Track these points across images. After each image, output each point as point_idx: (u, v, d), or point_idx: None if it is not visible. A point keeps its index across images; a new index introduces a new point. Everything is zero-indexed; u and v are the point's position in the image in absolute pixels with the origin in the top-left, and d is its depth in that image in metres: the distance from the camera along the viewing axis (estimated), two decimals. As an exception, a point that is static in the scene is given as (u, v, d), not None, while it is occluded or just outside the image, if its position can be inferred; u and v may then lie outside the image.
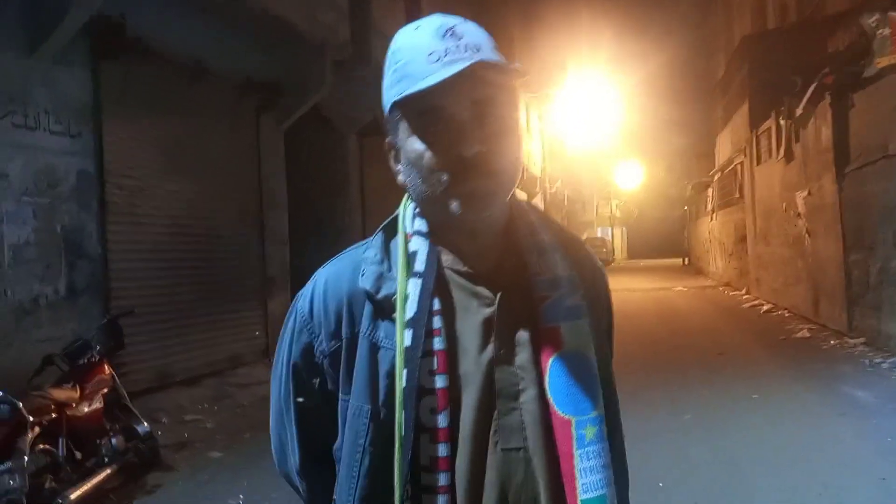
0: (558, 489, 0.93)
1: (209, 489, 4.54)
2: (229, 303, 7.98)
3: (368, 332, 0.97)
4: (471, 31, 0.95)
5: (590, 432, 0.94)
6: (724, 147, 23.02)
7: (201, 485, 4.64)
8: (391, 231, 1.04)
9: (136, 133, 6.63)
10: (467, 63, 0.88)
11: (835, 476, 4.35)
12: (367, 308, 0.98)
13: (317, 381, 1.02)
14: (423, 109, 0.94)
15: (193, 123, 7.44)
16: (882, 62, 6.25)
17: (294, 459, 1.07)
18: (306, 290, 1.06)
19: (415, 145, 0.95)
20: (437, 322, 0.95)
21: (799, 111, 9.70)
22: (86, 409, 4.22)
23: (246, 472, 4.84)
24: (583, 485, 0.92)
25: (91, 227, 6.00)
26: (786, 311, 13.20)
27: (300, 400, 1.05)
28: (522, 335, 0.98)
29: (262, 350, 8.47)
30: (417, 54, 0.93)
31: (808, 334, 10.44)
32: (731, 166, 20.25)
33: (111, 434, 4.42)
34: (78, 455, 4.12)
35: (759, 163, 15.97)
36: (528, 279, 0.99)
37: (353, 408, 0.97)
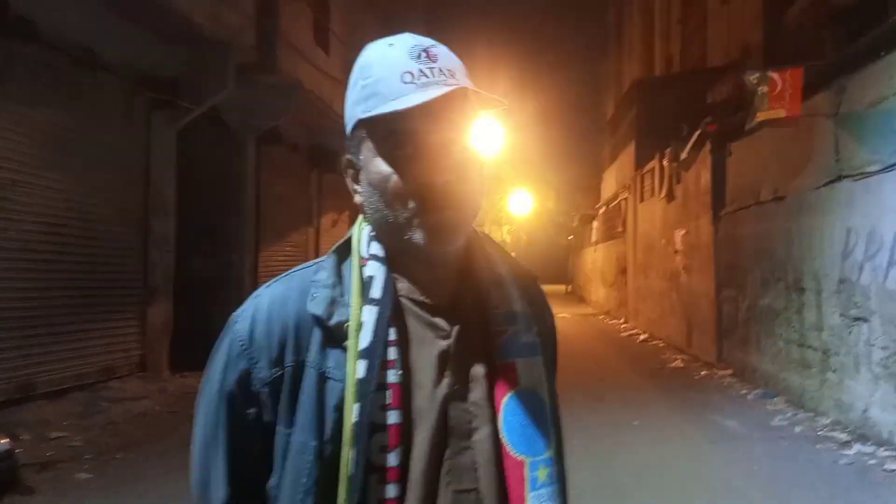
0: None
1: (74, 515, 4.16)
2: (104, 310, 7.43)
3: (316, 361, 0.90)
4: (445, 55, 0.92)
5: (542, 474, 0.92)
6: (609, 182, 24.26)
7: (65, 510, 4.25)
8: (344, 253, 0.98)
9: (13, 120, 6.09)
10: (447, 89, 0.86)
11: (710, 500, 4.60)
12: (316, 335, 0.92)
13: (252, 411, 0.93)
14: (393, 131, 0.89)
15: (79, 115, 6.93)
16: (761, 116, 6.79)
17: (220, 495, 0.97)
18: (245, 312, 0.97)
19: (380, 167, 0.91)
20: (392, 353, 0.90)
21: (683, 155, 10.38)
22: (-67, 425, 3.76)
23: (118, 496, 4.49)
24: None
25: (-49, 219, 5.42)
26: (661, 342, 13.98)
27: (232, 430, 0.95)
28: (477, 370, 0.95)
29: (137, 363, 7.95)
30: (390, 72, 0.89)
31: (681, 364, 11.09)
32: (616, 201, 21.34)
33: (-38, 453, 3.95)
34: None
35: (642, 200, 16.93)
36: (485, 312, 0.97)
37: (297, 443, 0.89)
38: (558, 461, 0.97)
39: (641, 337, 15.23)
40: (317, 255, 12.31)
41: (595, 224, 27.17)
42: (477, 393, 0.93)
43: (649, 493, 4.73)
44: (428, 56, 0.90)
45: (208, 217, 9.90)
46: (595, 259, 26.53)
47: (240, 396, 0.94)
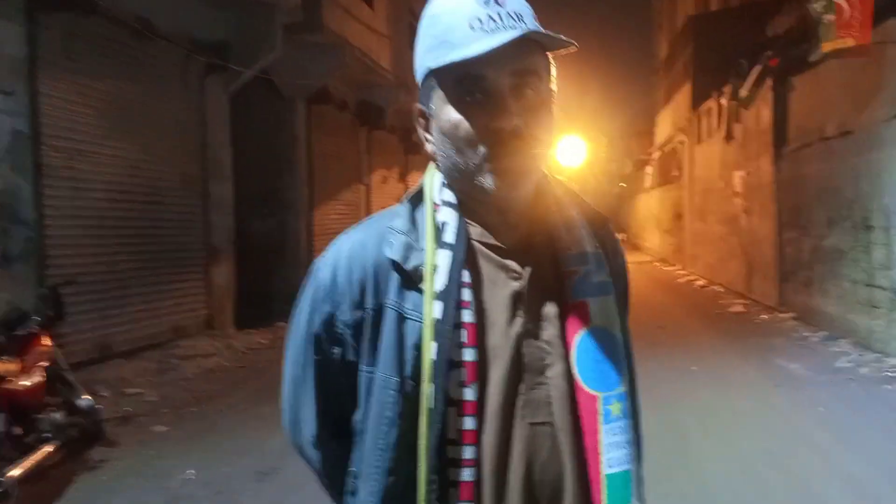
0: (583, 464, 0.94)
1: (157, 465, 4.41)
2: (171, 272, 7.72)
3: (395, 302, 0.95)
4: None
5: (615, 408, 0.94)
6: (664, 126, 23.55)
7: (148, 460, 4.50)
8: (417, 200, 1.01)
9: (76, 92, 6.27)
10: (514, 33, 0.86)
11: (775, 444, 4.55)
12: (394, 278, 0.96)
13: (337, 351, 1.00)
14: (462, 78, 0.91)
15: (136, 84, 7.09)
16: (827, 46, 6.44)
17: (310, 430, 1.05)
18: (327, 259, 1.03)
19: (450, 115, 0.92)
20: (466, 294, 0.93)
21: (743, 92, 9.97)
22: (25, 383, 4.01)
23: (195, 446, 4.73)
24: (608, 460, 0.93)
25: (26, 190, 5.66)
26: (720, 287, 13.71)
27: (320, 370, 1.02)
28: (550, 310, 0.97)
29: (204, 322, 8.26)
30: (458, 20, 0.90)
31: (742, 309, 10.88)
32: (671, 145, 20.75)
33: (52, 409, 4.22)
34: (17, 431, 3.93)
35: (699, 141, 16.41)
36: (557, 254, 0.99)
37: (380, 379, 0.95)
38: (631, 396, 0.99)
39: (699, 283, 14.97)
40: (368, 213, 12.50)
41: (649, 169, 26.55)
42: (549, 331, 0.96)
43: (712, 437, 4.71)
44: (496, 1, 0.90)
45: (263, 179, 10.08)
46: (649, 205, 25.99)
47: (325, 338, 1.00)
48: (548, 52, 0.96)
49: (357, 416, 0.99)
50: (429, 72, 0.94)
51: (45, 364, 4.29)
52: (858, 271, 7.55)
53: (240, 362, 7.46)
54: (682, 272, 17.62)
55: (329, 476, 1.07)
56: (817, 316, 8.71)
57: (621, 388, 0.96)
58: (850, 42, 6.56)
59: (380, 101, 13.83)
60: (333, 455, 1.04)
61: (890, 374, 6.19)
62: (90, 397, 4.81)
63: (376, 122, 13.98)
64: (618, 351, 0.97)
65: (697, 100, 16.56)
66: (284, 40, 8.72)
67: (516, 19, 0.89)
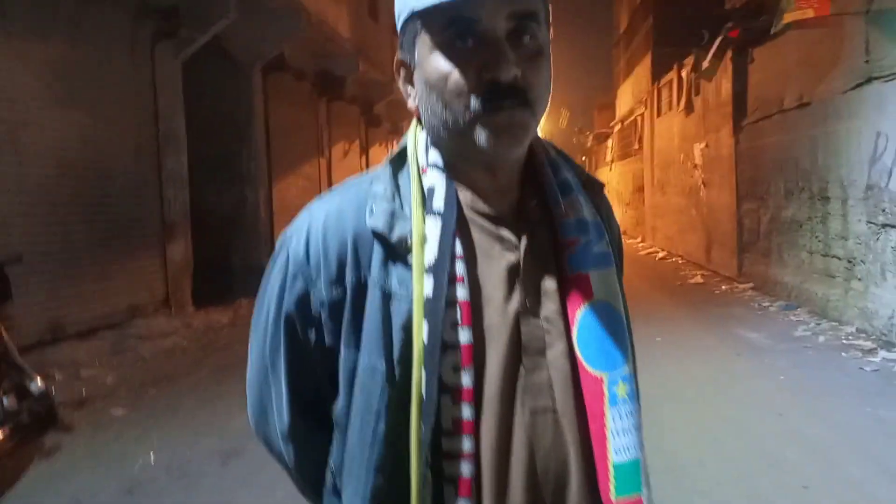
0: (589, 451, 0.85)
1: (115, 449, 4.26)
2: (126, 248, 7.45)
3: (379, 278, 0.84)
4: None
5: (622, 390, 0.85)
6: (625, 99, 23.67)
7: (106, 444, 4.34)
8: (399, 164, 0.90)
9: (17, 57, 5.93)
10: None
11: (737, 411, 4.63)
12: (378, 251, 0.85)
13: (312, 333, 0.88)
14: (452, 21, 0.79)
15: (82, 50, 6.74)
16: (788, 17, 6.47)
17: (282, 421, 0.93)
18: (299, 228, 0.90)
19: (438, 63, 0.81)
20: (459, 268, 0.83)
21: (705, 64, 10.02)
22: (-30, 367, 3.81)
23: (155, 428, 4.58)
24: (615, 448, 0.84)
25: (-36, 164, 5.36)
26: (680, 258, 13.94)
27: (292, 355, 0.90)
28: (549, 283, 0.88)
29: (161, 300, 8.02)
30: None
31: (701, 280, 11.07)
32: (632, 118, 20.88)
33: (0, 394, 4.02)
34: (-37, 417, 3.74)
35: (659, 115, 16.53)
36: (553, 221, 0.89)
37: (365, 366, 0.84)
38: (634, 377, 0.91)
39: (660, 254, 15.19)
40: (329, 186, 12.44)
41: (610, 143, 26.72)
42: (549, 307, 0.87)
43: (677, 405, 4.76)
44: None
45: (219, 151, 9.78)
46: (610, 178, 26.22)
47: (299, 319, 0.88)
48: None
49: (337, 407, 0.88)
50: (412, 14, 0.82)
51: (-8, 346, 4.08)
52: (815, 242, 7.71)
53: (199, 341, 7.28)
54: (643, 244, 17.87)
55: (303, 472, 0.96)
56: (776, 286, 8.89)
57: (627, 368, 0.87)
58: (809, 13, 6.60)
59: (339, 71, 13.51)
60: (309, 449, 0.93)
61: (845, 341, 6.35)
62: (42, 381, 4.62)
63: (336, 93, 13.67)
64: (621, 328, 0.88)
65: (658, 72, 16.65)
66: (238, 5, 8.40)
67: None
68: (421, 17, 0.82)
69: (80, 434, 4.51)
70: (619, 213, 23.75)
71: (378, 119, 17.17)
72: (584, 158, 35.88)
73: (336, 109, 14.28)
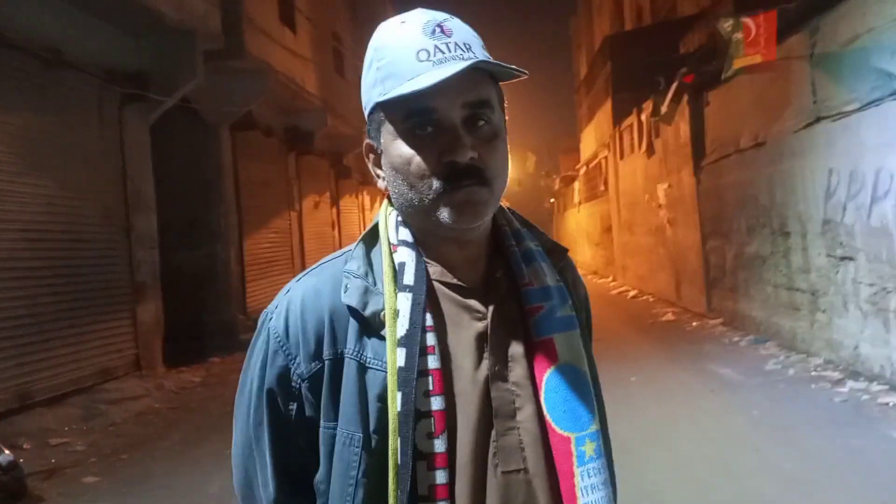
0: None
1: (87, 518, 4.15)
2: (95, 312, 7.34)
3: (355, 351, 0.89)
4: (460, 28, 0.90)
5: (589, 448, 0.91)
6: (588, 142, 24.24)
7: (77, 514, 4.24)
8: (372, 241, 0.96)
9: (-16, 128, 5.94)
10: (464, 65, 0.83)
11: (715, 449, 4.69)
12: (353, 325, 0.90)
13: (293, 407, 0.93)
14: (412, 111, 0.87)
15: (50, 117, 6.75)
16: (738, 63, 6.78)
17: (268, 492, 0.96)
18: (279, 307, 0.96)
19: (401, 150, 0.89)
20: (430, 339, 0.89)
21: (663, 109, 10.38)
22: (-64, 443, 3.71)
23: (129, 496, 4.48)
24: None
25: (-71, 234, 5.30)
26: (651, 297, 14.12)
27: (275, 428, 0.94)
28: (516, 349, 0.94)
29: (132, 362, 7.88)
30: (404, 51, 0.87)
31: (672, 317, 11.22)
32: (596, 160, 21.35)
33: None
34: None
35: (622, 157, 16.94)
36: (518, 290, 0.95)
37: (343, 436, 0.89)
38: (603, 433, 0.96)
39: (631, 293, 15.37)
40: (301, 240, 12.25)
41: (577, 185, 27.20)
42: (517, 372, 0.93)
43: (653, 445, 4.80)
44: (443, 31, 0.88)
45: (189, 209, 9.76)
46: (579, 220, 26.63)
47: (280, 393, 0.93)
48: (499, 82, 0.94)
49: (318, 477, 0.92)
50: (376, 106, 0.90)
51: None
52: (779, 276, 7.91)
53: (171, 403, 7.15)
54: (613, 283, 18.07)
55: None
56: (744, 320, 9.06)
57: (594, 427, 0.92)
58: (758, 58, 6.93)
59: (307, 126, 13.69)
60: None
61: (814, 373, 6.48)
62: (9, 452, 4.51)
63: (305, 147, 13.82)
64: (586, 388, 0.94)
65: (619, 116, 17.13)
66: (206, 67, 8.52)
67: (465, 49, 0.87)
68: (383, 108, 0.89)
69: (51, 506, 4.39)
70: (589, 253, 24.09)
71: (348, 170, 17.34)
72: (552, 200, 36.43)
73: (306, 163, 14.40)
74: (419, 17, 0.89)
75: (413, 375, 0.86)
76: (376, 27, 0.94)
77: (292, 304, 0.94)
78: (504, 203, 1.01)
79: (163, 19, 7.75)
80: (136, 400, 7.01)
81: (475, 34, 0.91)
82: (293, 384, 0.92)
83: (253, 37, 9.87)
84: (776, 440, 4.75)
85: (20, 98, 6.34)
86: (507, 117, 0.96)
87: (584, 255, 25.57)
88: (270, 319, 0.96)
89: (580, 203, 26.24)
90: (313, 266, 0.99)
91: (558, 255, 1.04)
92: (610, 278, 19.18)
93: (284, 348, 0.92)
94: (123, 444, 5.72)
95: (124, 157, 7.97)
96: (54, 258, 6.72)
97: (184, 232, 9.67)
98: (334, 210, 16.85)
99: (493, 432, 0.90)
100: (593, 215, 22.60)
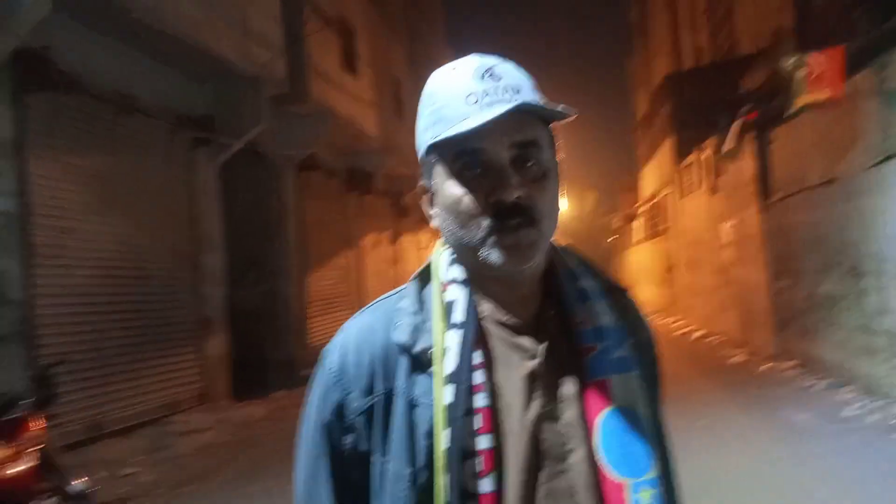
0: None
1: (152, 549, 4.25)
2: (163, 347, 7.63)
3: (404, 388, 0.91)
4: (509, 72, 0.93)
5: (645, 496, 0.88)
6: (649, 180, 23.93)
7: (143, 545, 4.35)
8: (425, 279, 0.99)
9: (64, 170, 6.34)
10: (508, 106, 0.86)
11: (781, 502, 4.44)
12: (403, 362, 0.93)
13: (349, 440, 0.95)
14: (461, 152, 0.90)
15: (124, 159, 7.17)
16: (801, 101, 6.64)
17: None
18: (335, 344, 0.99)
19: (452, 189, 0.92)
20: (478, 377, 0.89)
21: (726, 147, 10.20)
22: (16, 469, 3.89)
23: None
24: None
25: (14, 270, 5.64)
26: (717, 337, 13.65)
27: (333, 461, 0.97)
28: (568, 390, 0.93)
29: (198, 395, 8.12)
30: (455, 96, 0.91)
31: (741, 359, 10.80)
32: (657, 199, 21.03)
33: (44, 495, 4.07)
34: (6, 521, 3.78)
35: (684, 195, 16.64)
36: (572, 329, 0.95)
37: (392, 471, 0.90)
38: (665, 480, 0.93)
39: (697, 334, 14.90)
40: (360, 277, 12.43)
41: (637, 223, 26.80)
42: (569, 413, 0.91)
43: (716, 498, 4.59)
44: (492, 75, 0.91)
45: (253, 247, 10.09)
46: (640, 258, 26.14)
47: (337, 426, 0.96)
48: (549, 123, 0.95)
49: None
50: (429, 148, 0.94)
51: (38, 448, 4.17)
52: (854, 317, 7.56)
53: (236, 436, 7.29)
54: (677, 323, 17.57)
55: None
56: (819, 363, 8.66)
57: (652, 473, 0.89)
58: (824, 95, 6.76)
59: (368, 167, 14.02)
60: None
61: (894, 421, 6.12)
62: (83, 480, 4.67)
63: (365, 188, 14.15)
64: (643, 432, 0.92)
65: (680, 154, 16.88)
66: (271, 111, 8.88)
67: (513, 92, 0.90)
68: (435, 150, 0.93)
69: (119, 535, 4.51)
70: (650, 292, 23.55)
71: (406, 210, 17.61)
72: (612, 238, 35.97)
73: (366, 202, 14.71)
74: (471, 63, 0.93)
75: (460, 413, 0.86)
76: (433, 72, 0.98)
77: (348, 341, 0.97)
78: (563, 241, 1.02)
79: (229, 66, 8.15)
80: (201, 432, 7.19)
81: (526, 77, 0.94)
82: (348, 418, 0.95)
83: (316, 82, 10.26)
84: (847, 497, 4.46)
85: (94, 142, 6.75)
86: (560, 157, 0.97)
87: (645, 294, 25.02)
88: (328, 356, 0.99)
89: (640, 241, 25.80)
90: (370, 304, 1.03)
91: (617, 295, 1.03)
92: (674, 318, 18.68)
93: (340, 383, 0.95)
94: (189, 475, 5.85)
95: (193, 198, 8.35)
96: (125, 294, 7.05)
97: (249, 268, 9.98)
98: (393, 248, 17.09)
99: (543, 474, 0.89)
100: (655, 253, 22.17)
